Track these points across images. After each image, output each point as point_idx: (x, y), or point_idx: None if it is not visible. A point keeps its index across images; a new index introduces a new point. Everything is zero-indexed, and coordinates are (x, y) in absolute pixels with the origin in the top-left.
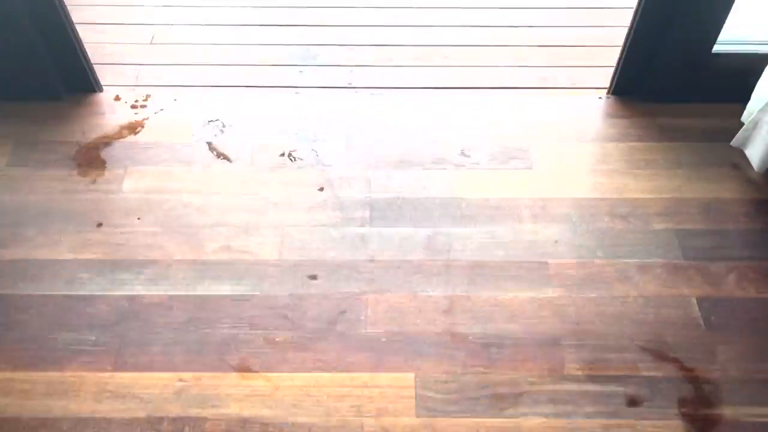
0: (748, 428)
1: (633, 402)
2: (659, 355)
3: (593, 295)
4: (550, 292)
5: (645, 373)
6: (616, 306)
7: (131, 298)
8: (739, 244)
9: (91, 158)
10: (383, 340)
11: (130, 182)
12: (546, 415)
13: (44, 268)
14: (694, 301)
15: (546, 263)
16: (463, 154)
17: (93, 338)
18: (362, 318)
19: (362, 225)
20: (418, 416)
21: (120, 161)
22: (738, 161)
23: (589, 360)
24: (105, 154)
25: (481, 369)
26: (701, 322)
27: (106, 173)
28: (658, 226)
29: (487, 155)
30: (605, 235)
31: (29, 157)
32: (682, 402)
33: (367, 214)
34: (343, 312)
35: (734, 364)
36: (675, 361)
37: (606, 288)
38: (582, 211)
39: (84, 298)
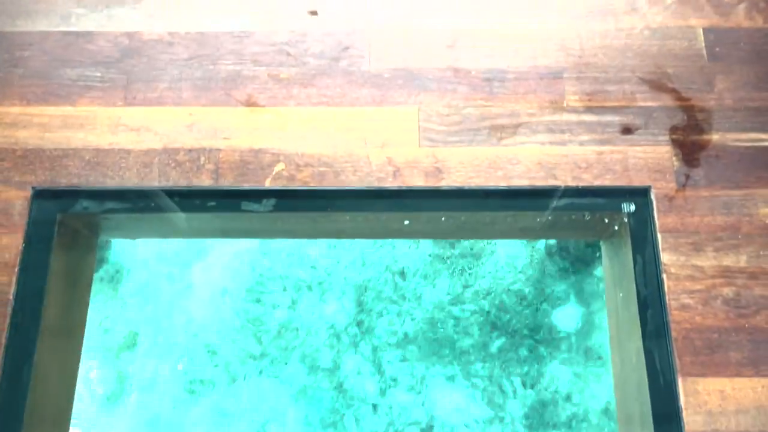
0: (733, 152)
1: (627, 130)
2: (658, 86)
3: (599, 27)
4: (557, 25)
5: (641, 104)
6: (621, 38)
7: (131, 35)
8: None
9: None
10: (386, 75)
11: None
12: (542, 143)
13: (37, 4)
14: (701, 32)
15: None
16: None
17: (99, 74)
18: (365, 54)
19: None
20: (420, 146)
21: None
22: None
23: (589, 92)
24: None
25: (482, 102)
26: (704, 53)
27: None
28: None
29: None
30: None
31: None
32: (673, 129)
33: None
34: (346, 48)
35: (730, 93)
36: (673, 91)
37: (613, 20)
38: None
39: (83, 34)
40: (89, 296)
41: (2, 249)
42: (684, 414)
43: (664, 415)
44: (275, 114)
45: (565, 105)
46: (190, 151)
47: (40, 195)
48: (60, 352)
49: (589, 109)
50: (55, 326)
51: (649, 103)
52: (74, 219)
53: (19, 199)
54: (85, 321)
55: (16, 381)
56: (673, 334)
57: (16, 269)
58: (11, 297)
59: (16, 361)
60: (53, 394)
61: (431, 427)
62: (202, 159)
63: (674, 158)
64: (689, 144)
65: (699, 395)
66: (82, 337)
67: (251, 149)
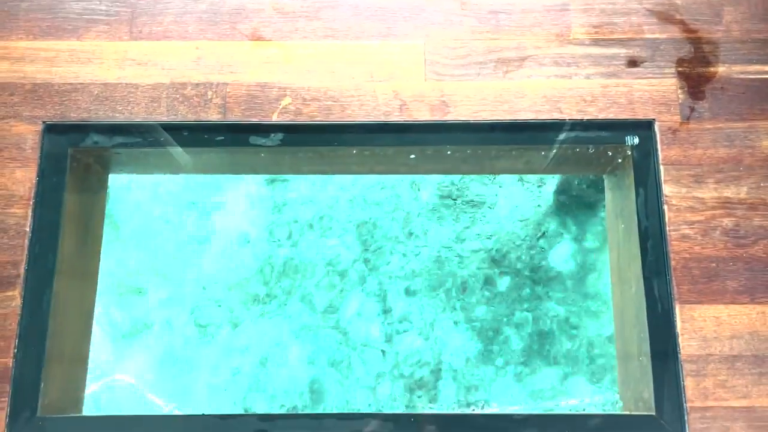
0: (738, 84)
1: (633, 63)
2: (666, 17)
3: None
4: None
5: (648, 36)
6: None
7: None
8: None
9: None
10: (392, 8)
11: None
12: (548, 77)
13: None
14: None
15: None
16: None
17: (104, 8)
18: None
19: None
20: (426, 80)
21: None
22: None
23: (596, 24)
24: None
25: (489, 35)
26: None
27: None
28: None
29: None
30: None
31: None
32: (680, 62)
33: None
34: None
35: (738, 24)
36: (680, 23)
37: None
38: None
39: None
40: (102, 231)
41: (17, 182)
42: (680, 339)
43: (661, 341)
44: (281, 48)
45: (571, 38)
46: (197, 85)
47: (52, 129)
48: (76, 286)
49: (595, 42)
50: (71, 259)
51: (657, 35)
52: (85, 153)
53: (30, 134)
54: (100, 256)
55: (37, 310)
56: (673, 263)
57: (32, 202)
58: (28, 229)
59: (36, 292)
60: (71, 328)
61: None
62: (210, 93)
63: (679, 91)
64: (695, 76)
65: (695, 321)
66: (97, 273)
67: (258, 83)
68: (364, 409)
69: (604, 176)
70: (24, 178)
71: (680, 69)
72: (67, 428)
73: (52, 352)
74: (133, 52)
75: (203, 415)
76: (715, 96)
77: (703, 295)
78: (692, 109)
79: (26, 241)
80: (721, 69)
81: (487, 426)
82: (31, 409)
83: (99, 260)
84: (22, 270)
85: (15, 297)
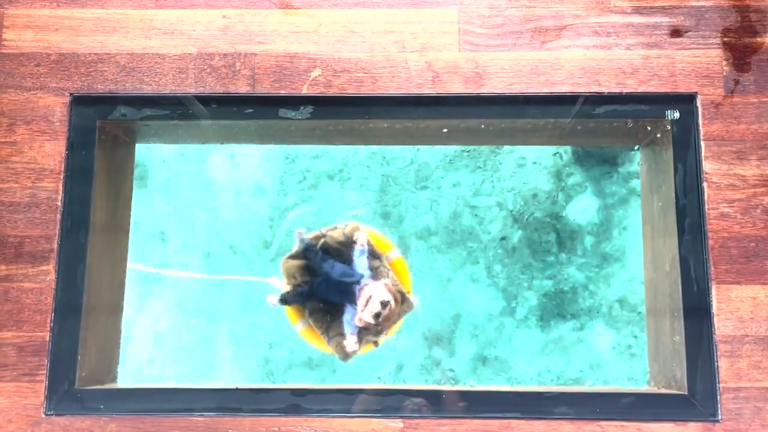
0: None
1: (676, 32)
2: None
3: None
4: None
5: (693, 3)
6: None
7: None
8: None
9: None
10: None
11: None
12: (586, 47)
13: None
14: None
15: None
16: None
17: None
18: None
19: None
20: (460, 51)
21: None
22: None
23: None
24: None
25: (526, 3)
26: None
27: None
28: None
29: None
30: None
31: None
32: (725, 31)
33: None
34: None
35: None
36: None
37: None
38: None
39: None
40: (131, 199)
41: (47, 156)
42: (715, 320)
43: (696, 321)
44: (310, 16)
45: (612, 5)
46: (225, 56)
47: (79, 101)
48: (109, 251)
49: (636, 10)
50: (103, 229)
51: (702, 3)
52: (113, 125)
53: (57, 106)
54: (130, 221)
55: (71, 284)
56: (710, 242)
57: (62, 176)
58: (59, 204)
59: (69, 266)
60: (107, 287)
61: None
62: (238, 64)
63: (724, 62)
64: (741, 47)
65: (732, 302)
66: (127, 245)
67: (287, 54)
68: None
69: (639, 147)
70: (53, 152)
71: (725, 39)
72: (104, 400)
73: (86, 325)
74: (159, 20)
75: (236, 388)
76: (761, 68)
77: (740, 275)
78: (737, 82)
79: (58, 216)
80: None
81: (518, 403)
82: (69, 382)
83: (129, 233)
84: (55, 245)
85: (49, 271)
